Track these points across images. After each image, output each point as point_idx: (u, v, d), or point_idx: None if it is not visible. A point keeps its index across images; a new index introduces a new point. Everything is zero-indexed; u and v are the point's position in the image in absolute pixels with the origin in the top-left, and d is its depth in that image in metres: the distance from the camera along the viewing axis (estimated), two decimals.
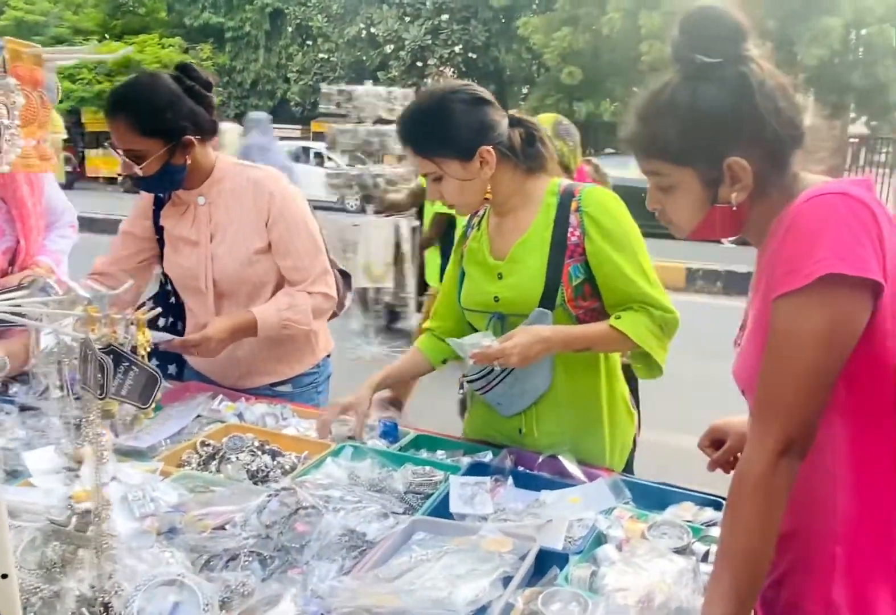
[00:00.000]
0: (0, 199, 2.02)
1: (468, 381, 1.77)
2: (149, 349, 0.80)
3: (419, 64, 17.12)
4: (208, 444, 1.66)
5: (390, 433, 1.85)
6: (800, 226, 1.02)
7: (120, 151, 1.86)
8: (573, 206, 1.65)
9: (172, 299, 2.17)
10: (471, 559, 1.20)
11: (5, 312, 0.73)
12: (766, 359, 1.05)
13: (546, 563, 1.26)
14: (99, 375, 0.68)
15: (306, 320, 2.02)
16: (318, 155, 16.49)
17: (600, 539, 1.33)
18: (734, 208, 1.14)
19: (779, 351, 1.03)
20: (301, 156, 16.48)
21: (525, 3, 16.17)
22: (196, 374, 2.17)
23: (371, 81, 5.38)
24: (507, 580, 1.17)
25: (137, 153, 1.84)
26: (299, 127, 20.47)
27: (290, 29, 21.56)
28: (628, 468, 1.84)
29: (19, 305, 0.76)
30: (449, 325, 1.84)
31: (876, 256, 0.98)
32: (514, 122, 1.67)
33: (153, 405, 0.75)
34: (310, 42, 20.89)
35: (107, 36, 21.27)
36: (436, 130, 1.59)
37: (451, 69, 16.94)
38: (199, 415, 1.82)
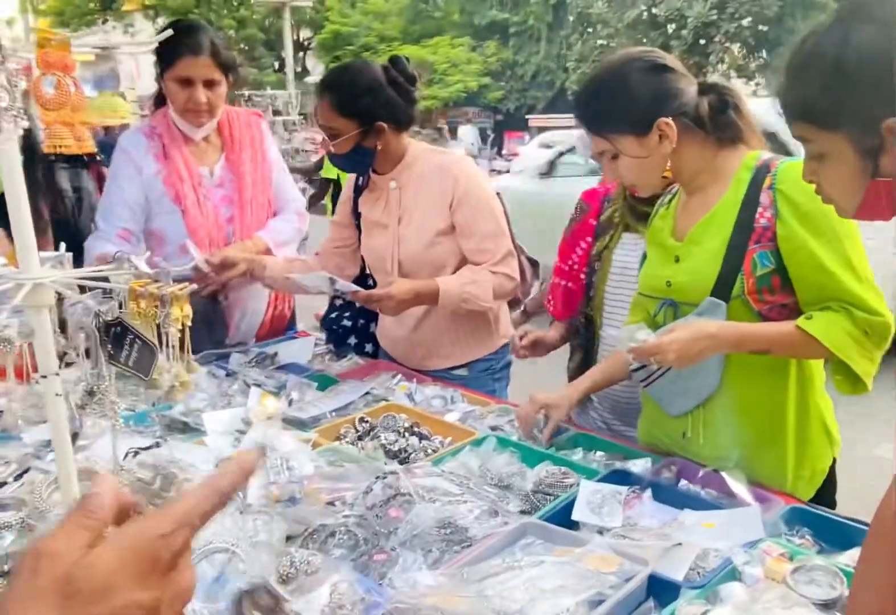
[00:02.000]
0: (230, 172, 2.27)
1: (632, 371, 1.61)
2: (189, 324, 0.82)
3: (702, 42, 16.00)
4: (366, 421, 1.71)
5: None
6: None
7: (322, 128, 2.02)
8: (767, 182, 1.41)
9: (370, 281, 2.27)
10: (566, 573, 1.08)
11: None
12: None
13: (662, 593, 1.09)
14: (109, 346, 0.72)
15: (487, 297, 2.00)
16: None
17: (734, 575, 1.11)
18: None
19: None
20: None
21: None
22: (387, 355, 2.25)
23: None
24: (600, 604, 1.03)
25: (334, 131, 1.97)
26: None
27: (571, 18, 21.48)
28: (825, 500, 1.52)
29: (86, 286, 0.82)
30: (643, 316, 1.66)
31: None
32: (706, 89, 1.46)
33: (152, 376, 0.78)
34: (590, 29, 20.60)
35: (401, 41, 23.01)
36: (607, 104, 1.45)
37: (738, 44, 15.58)
38: (368, 393, 1.88)
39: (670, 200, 1.62)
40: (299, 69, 25.27)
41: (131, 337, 0.74)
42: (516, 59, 22.99)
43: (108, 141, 4.63)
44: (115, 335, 0.72)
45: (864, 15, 0.88)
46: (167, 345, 0.76)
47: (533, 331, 1.91)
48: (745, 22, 15.60)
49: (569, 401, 1.64)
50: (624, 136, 1.44)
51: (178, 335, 0.80)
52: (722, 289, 1.42)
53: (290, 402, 1.81)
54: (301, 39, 27.71)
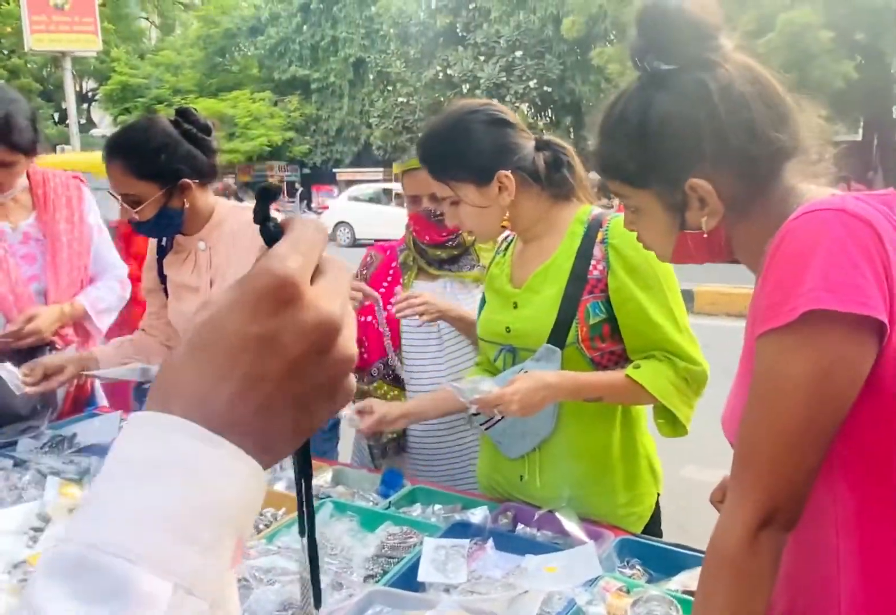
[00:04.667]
0: (40, 232, 2.13)
1: (472, 415, 1.62)
2: None
3: (495, 101, 17.28)
4: None
5: (393, 483, 1.73)
6: (785, 248, 0.86)
7: (118, 197, 1.87)
8: (599, 236, 1.51)
9: None
10: None
11: None
12: (747, 409, 0.89)
13: None
14: None
15: None
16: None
17: None
18: (705, 235, 0.98)
19: (759, 401, 0.87)
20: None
21: (599, 34, 16.08)
22: None
23: None
24: None
25: (133, 197, 1.84)
26: (381, 169, 20.99)
27: (371, 76, 22.30)
28: (651, 531, 1.61)
29: None
30: (481, 358, 1.72)
31: (880, 288, 0.80)
32: (541, 146, 1.55)
33: None
34: (390, 88, 21.50)
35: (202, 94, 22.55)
36: (451, 152, 1.49)
37: (527, 104, 16.99)
38: None
39: (506, 248, 1.70)
40: (83, 121, 23.86)
41: None
42: (320, 114, 23.37)
43: None
44: None
45: (661, 84, 0.96)
46: None
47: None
48: (531, 83, 17.09)
49: (393, 413, 1.68)
50: (465, 185, 1.50)
51: None
52: (558, 336, 1.49)
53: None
54: (85, 90, 26.27)
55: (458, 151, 1.49)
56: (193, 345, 0.38)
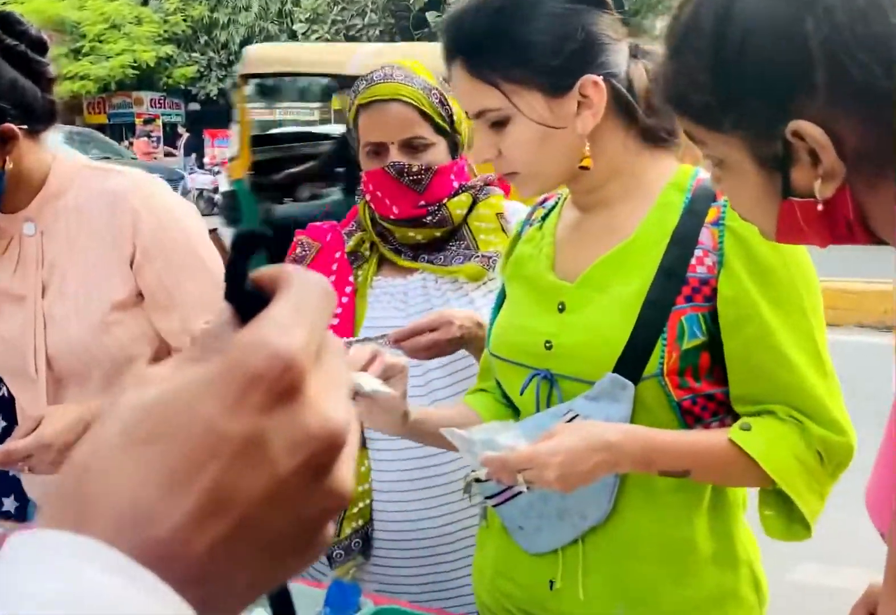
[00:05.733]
0: None
1: (476, 481, 1.53)
2: None
3: None
4: None
5: (344, 603, 1.75)
6: None
7: None
8: (712, 214, 1.46)
9: (4, 390, 2.16)
10: None
11: None
12: None
13: None
14: None
15: None
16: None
17: None
18: (820, 205, 1.01)
19: None
20: None
21: None
22: None
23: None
24: None
25: None
26: (317, 105, 20.96)
27: None
28: None
29: None
30: (488, 384, 1.74)
31: None
32: (638, 52, 1.52)
33: None
34: None
35: None
36: (510, 34, 1.42)
37: None
38: None
39: (545, 216, 1.67)
40: None
41: None
42: (215, 17, 23.38)
43: None
44: None
45: None
46: None
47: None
48: None
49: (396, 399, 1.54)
50: (528, 91, 1.44)
51: None
52: (631, 362, 1.43)
53: None
54: None
55: (523, 34, 1.43)
56: (135, 433, 0.38)
